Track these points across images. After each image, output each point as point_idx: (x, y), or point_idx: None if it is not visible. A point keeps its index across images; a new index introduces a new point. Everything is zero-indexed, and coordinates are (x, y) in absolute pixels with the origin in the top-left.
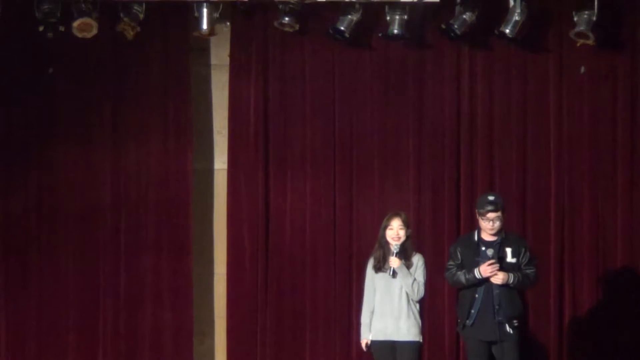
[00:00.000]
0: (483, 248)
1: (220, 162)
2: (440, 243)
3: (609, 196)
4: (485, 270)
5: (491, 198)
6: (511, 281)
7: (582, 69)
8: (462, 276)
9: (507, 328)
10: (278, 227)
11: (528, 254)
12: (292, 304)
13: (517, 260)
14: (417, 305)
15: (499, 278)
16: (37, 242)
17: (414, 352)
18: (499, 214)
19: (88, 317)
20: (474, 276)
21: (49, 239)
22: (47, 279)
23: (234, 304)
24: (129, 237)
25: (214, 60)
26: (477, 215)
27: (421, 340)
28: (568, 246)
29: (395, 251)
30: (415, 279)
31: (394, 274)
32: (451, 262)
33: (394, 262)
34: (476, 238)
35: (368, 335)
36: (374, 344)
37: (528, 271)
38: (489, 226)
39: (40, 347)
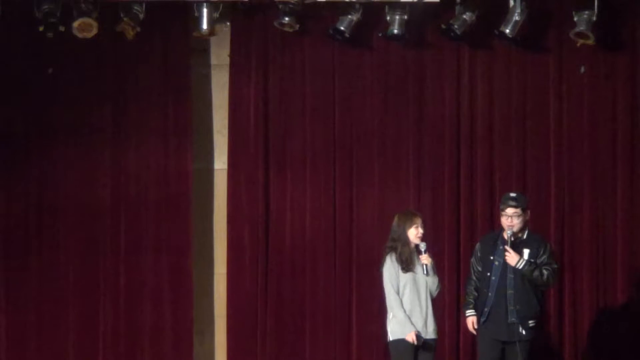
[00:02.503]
0: (500, 247)
1: (220, 162)
2: (440, 243)
3: (609, 196)
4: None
5: (513, 195)
6: (521, 266)
7: (582, 69)
8: (465, 301)
9: (520, 329)
10: (278, 227)
11: (546, 256)
12: (292, 304)
13: (535, 261)
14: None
15: (510, 256)
16: (37, 242)
17: (434, 349)
18: (518, 210)
19: (88, 317)
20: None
21: (49, 239)
22: (47, 279)
23: (234, 303)
24: (129, 237)
25: (214, 60)
26: (500, 213)
27: (437, 337)
28: (568, 246)
29: (424, 249)
30: (438, 278)
31: (428, 272)
32: (472, 261)
33: (427, 259)
34: (498, 236)
35: (412, 328)
36: (398, 342)
37: (544, 269)
38: (507, 222)
39: (40, 347)
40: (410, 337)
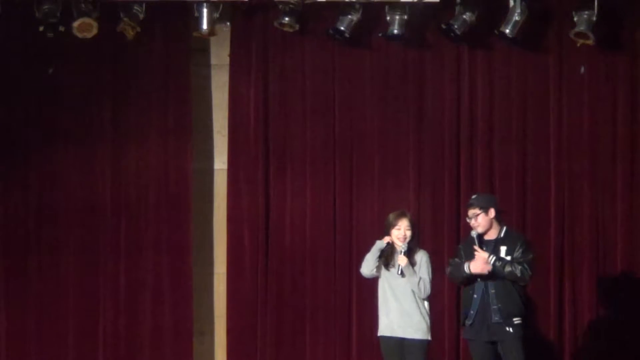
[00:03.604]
0: (484, 248)
1: (220, 162)
2: (440, 243)
3: (609, 196)
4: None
5: (474, 196)
6: (490, 263)
7: (582, 69)
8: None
9: (506, 327)
10: (278, 227)
11: (521, 250)
12: (292, 304)
13: (512, 257)
14: (425, 303)
15: (478, 255)
16: (37, 242)
17: (422, 350)
18: (476, 210)
19: (88, 318)
20: (463, 270)
21: (49, 239)
22: (47, 279)
23: (234, 303)
24: (129, 237)
25: (214, 60)
26: None
27: (429, 339)
28: (568, 246)
29: (402, 250)
30: (420, 278)
31: (402, 274)
32: (453, 259)
33: (402, 260)
34: (476, 237)
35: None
36: (381, 338)
37: (516, 263)
38: (471, 224)
39: (40, 347)
40: (385, 240)
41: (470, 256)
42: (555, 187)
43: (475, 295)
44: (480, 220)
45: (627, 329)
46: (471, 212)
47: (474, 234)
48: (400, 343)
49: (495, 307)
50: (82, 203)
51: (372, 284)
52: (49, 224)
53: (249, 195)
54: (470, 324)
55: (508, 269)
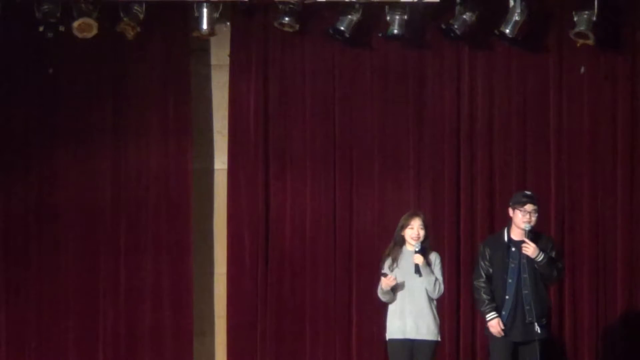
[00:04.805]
0: (513, 249)
1: (220, 162)
2: (441, 243)
3: (609, 196)
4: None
5: (529, 193)
6: (540, 258)
7: (582, 69)
8: (482, 302)
9: (536, 327)
10: (278, 227)
11: (554, 251)
12: (292, 304)
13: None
14: (435, 303)
15: (529, 249)
16: (37, 242)
17: (431, 351)
18: (536, 207)
19: (88, 317)
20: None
21: (49, 239)
22: (47, 278)
23: (234, 303)
24: (129, 237)
25: (214, 60)
26: (513, 211)
27: (439, 340)
28: (568, 246)
29: (416, 249)
30: (436, 278)
31: (419, 272)
32: (482, 263)
33: (418, 259)
34: (506, 238)
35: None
36: (392, 342)
37: (557, 263)
38: (526, 219)
39: (40, 347)
40: (386, 282)
41: (502, 257)
42: (555, 187)
43: (507, 297)
44: (534, 217)
45: (627, 329)
46: (533, 207)
47: (527, 227)
48: (410, 345)
49: (528, 307)
50: (82, 203)
51: (371, 284)
52: (49, 224)
53: (249, 195)
54: (502, 326)
55: (552, 265)
